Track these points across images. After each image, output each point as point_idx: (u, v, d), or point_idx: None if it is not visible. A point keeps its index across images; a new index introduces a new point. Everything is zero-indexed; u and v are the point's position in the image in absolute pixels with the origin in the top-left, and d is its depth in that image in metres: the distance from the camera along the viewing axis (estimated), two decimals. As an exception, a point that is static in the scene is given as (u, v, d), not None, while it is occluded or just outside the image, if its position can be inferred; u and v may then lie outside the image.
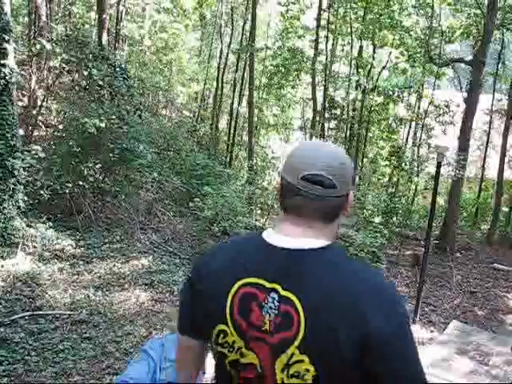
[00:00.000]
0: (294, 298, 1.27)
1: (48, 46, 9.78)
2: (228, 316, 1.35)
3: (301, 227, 1.37)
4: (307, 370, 1.24)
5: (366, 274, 1.35)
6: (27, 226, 7.56)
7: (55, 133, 10.29)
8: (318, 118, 19.73)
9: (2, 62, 7.27)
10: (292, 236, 1.36)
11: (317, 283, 1.28)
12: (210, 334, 1.42)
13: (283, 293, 1.28)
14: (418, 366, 1.26)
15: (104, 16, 11.65)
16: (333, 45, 21.84)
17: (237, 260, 1.41)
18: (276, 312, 1.28)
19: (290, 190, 1.37)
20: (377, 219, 14.04)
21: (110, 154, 9.11)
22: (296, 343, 1.25)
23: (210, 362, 3.61)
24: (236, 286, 1.35)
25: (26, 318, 5.42)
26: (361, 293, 1.25)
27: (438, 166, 9.98)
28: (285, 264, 1.31)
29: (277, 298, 1.29)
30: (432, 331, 7.95)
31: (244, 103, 22.20)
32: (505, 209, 18.49)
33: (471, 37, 20.09)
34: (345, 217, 1.47)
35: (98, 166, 9.28)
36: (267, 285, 1.31)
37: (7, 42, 7.38)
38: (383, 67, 21.68)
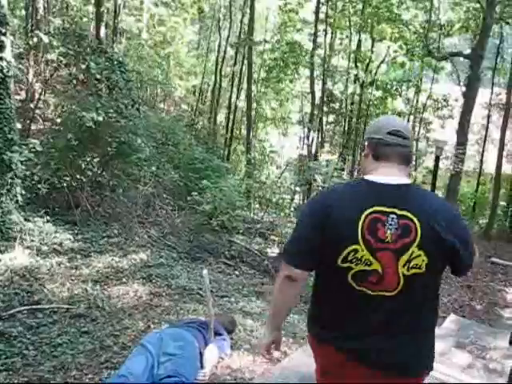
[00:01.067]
0: (409, 214, 1.91)
1: (45, 40, 9.74)
2: (360, 237, 1.92)
3: (392, 169, 2.04)
4: (423, 261, 1.90)
5: (442, 200, 2.24)
6: (25, 220, 7.53)
7: (53, 126, 10.25)
8: (316, 112, 19.70)
9: (-1, 55, 7.24)
10: (390, 176, 2.01)
11: (419, 204, 1.95)
12: (336, 255, 1.95)
13: (400, 212, 1.92)
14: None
15: (102, 9, 11.61)
16: (331, 38, 21.79)
17: (357, 196, 2.01)
18: (396, 226, 1.91)
19: (381, 143, 2.07)
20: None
21: (108, 148, 9.08)
22: (416, 243, 1.90)
23: (208, 359, 3.60)
24: (364, 214, 1.92)
25: (24, 312, 5.40)
26: (448, 210, 2.01)
27: (437, 159, 9.99)
28: (395, 194, 1.97)
29: (395, 217, 1.91)
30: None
31: (242, 97, 22.18)
32: (503, 203, 18.50)
33: (470, 31, 20.08)
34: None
35: (95, 160, 9.26)
36: (386, 209, 1.93)
37: (4, 35, 7.33)
38: (382, 61, 21.67)
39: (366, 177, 2.06)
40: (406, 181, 2.03)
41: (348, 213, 1.94)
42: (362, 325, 2.00)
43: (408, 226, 1.90)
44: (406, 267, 1.91)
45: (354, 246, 1.91)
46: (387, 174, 2.01)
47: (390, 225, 1.91)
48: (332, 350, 2.08)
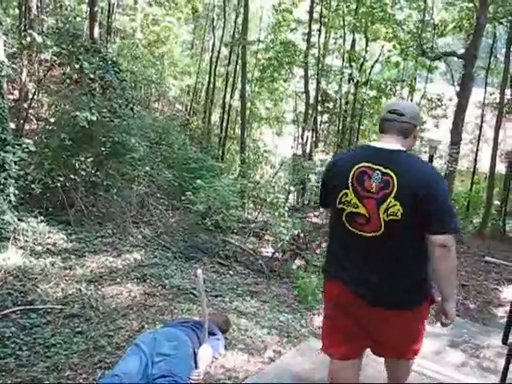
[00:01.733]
0: (390, 172, 2.44)
1: (39, 39, 9.69)
2: (350, 184, 2.53)
3: (390, 139, 2.60)
4: (398, 210, 2.40)
5: (426, 164, 2.65)
6: (18, 220, 7.50)
7: (46, 126, 10.19)
8: (310, 112, 19.73)
9: (-8, 54, 7.21)
10: (386, 143, 2.59)
11: (402, 165, 2.48)
12: (333, 199, 2.60)
13: (384, 170, 2.46)
14: (451, 210, 2.48)
15: (95, 9, 11.57)
16: (325, 38, 21.83)
17: (353, 155, 2.71)
18: (380, 180, 2.45)
19: (383, 120, 2.68)
20: (369, 212, 13.99)
21: (102, 148, 9.06)
22: (392, 195, 2.41)
23: (202, 359, 3.60)
24: (355, 167, 2.53)
25: (18, 312, 5.38)
26: (426, 171, 2.50)
27: (430, 159, 10.02)
28: (383, 156, 2.52)
29: (380, 173, 2.46)
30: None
31: (236, 96, 22.16)
32: (496, 202, 18.55)
33: (463, 30, 20.11)
34: (416, 140, 2.77)
35: (89, 160, 9.23)
36: (373, 166, 2.49)
37: (-3, 34, 7.31)
38: (376, 60, 21.69)
39: (370, 143, 2.73)
40: (400, 148, 2.56)
41: (345, 166, 2.60)
42: (355, 259, 2.60)
43: (388, 181, 2.44)
44: (385, 214, 2.43)
45: (344, 191, 2.55)
46: (385, 142, 2.60)
47: (376, 179, 2.47)
48: (332, 283, 2.74)
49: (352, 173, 2.52)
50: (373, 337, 2.69)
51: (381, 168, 2.46)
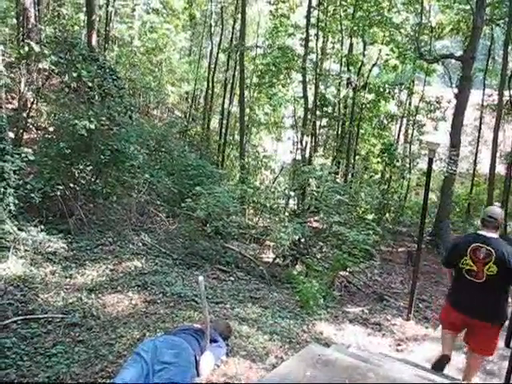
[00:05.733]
0: (491, 249, 4.47)
1: (37, 48, 9.71)
2: (468, 254, 4.56)
3: (489, 231, 4.62)
4: (495, 269, 4.42)
5: (510, 246, 4.63)
6: (18, 229, 7.50)
7: (46, 135, 10.21)
8: (309, 116, 19.69)
9: (-10, 64, 7.21)
10: (487, 233, 4.61)
11: (497, 245, 4.49)
12: (458, 261, 4.66)
13: (488, 247, 4.49)
14: None
15: (93, 17, 11.58)
16: (323, 42, 21.81)
17: (469, 239, 4.75)
18: (485, 253, 4.49)
19: (485, 219, 4.70)
20: (370, 216, 14.01)
21: (101, 156, 9.05)
22: (492, 262, 4.43)
23: (204, 366, 3.57)
24: (471, 246, 4.57)
25: (19, 322, 5.36)
26: (509, 249, 4.47)
27: (430, 162, 9.99)
28: (486, 240, 4.54)
29: (485, 249, 4.49)
30: (427, 327, 7.95)
31: (235, 102, 22.17)
32: (497, 204, 18.49)
33: (461, 33, 20.14)
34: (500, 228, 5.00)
35: (89, 168, 9.23)
36: (481, 245, 4.54)
37: (-5, 44, 7.32)
38: (374, 64, 21.68)
39: (478, 232, 4.65)
40: (495, 235, 4.54)
41: (464, 244, 4.62)
42: (467, 295, 4.60)
43: (490, 253, 4.40)
44: (487, 271, 4.40)
45: (465, 257, 4.53)
46: (486, 232, 4.56)
47: (483, 252, 4.44)
48: (452, 308, 4.82)
49: (470, 248, 4.51)
50: (468, 332, 4.77)
51: (485, 246, 4.45)
